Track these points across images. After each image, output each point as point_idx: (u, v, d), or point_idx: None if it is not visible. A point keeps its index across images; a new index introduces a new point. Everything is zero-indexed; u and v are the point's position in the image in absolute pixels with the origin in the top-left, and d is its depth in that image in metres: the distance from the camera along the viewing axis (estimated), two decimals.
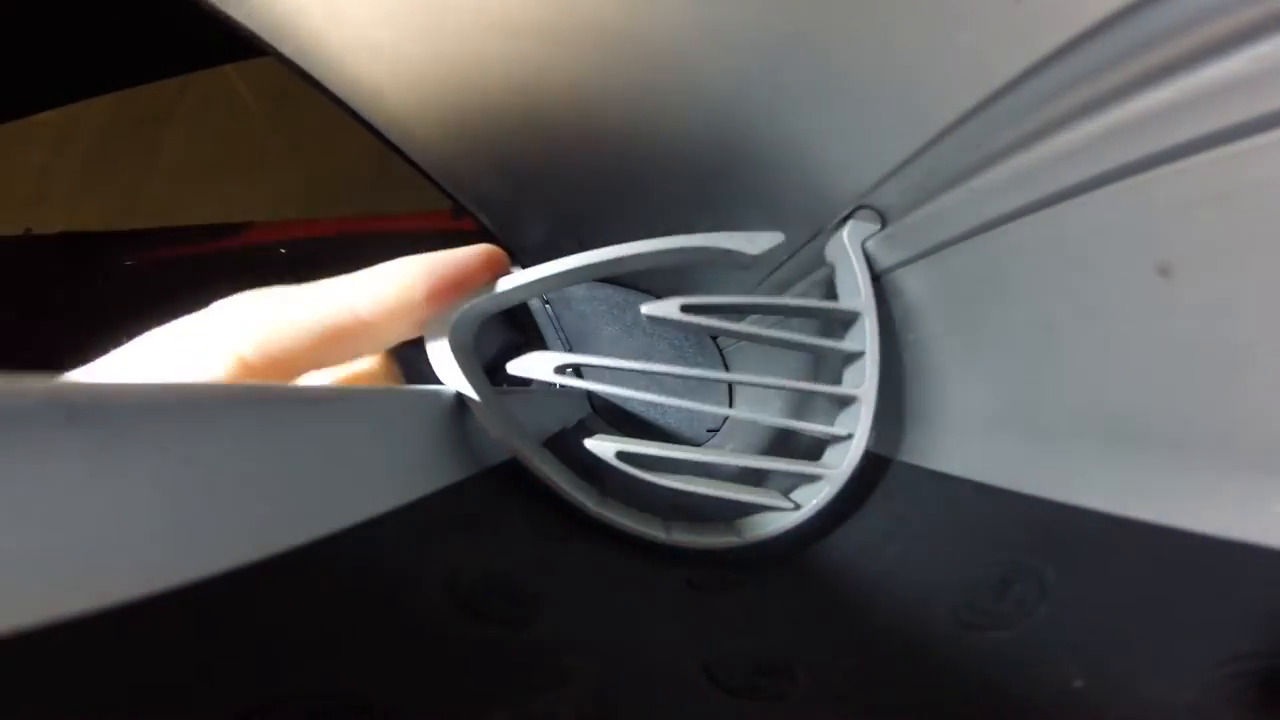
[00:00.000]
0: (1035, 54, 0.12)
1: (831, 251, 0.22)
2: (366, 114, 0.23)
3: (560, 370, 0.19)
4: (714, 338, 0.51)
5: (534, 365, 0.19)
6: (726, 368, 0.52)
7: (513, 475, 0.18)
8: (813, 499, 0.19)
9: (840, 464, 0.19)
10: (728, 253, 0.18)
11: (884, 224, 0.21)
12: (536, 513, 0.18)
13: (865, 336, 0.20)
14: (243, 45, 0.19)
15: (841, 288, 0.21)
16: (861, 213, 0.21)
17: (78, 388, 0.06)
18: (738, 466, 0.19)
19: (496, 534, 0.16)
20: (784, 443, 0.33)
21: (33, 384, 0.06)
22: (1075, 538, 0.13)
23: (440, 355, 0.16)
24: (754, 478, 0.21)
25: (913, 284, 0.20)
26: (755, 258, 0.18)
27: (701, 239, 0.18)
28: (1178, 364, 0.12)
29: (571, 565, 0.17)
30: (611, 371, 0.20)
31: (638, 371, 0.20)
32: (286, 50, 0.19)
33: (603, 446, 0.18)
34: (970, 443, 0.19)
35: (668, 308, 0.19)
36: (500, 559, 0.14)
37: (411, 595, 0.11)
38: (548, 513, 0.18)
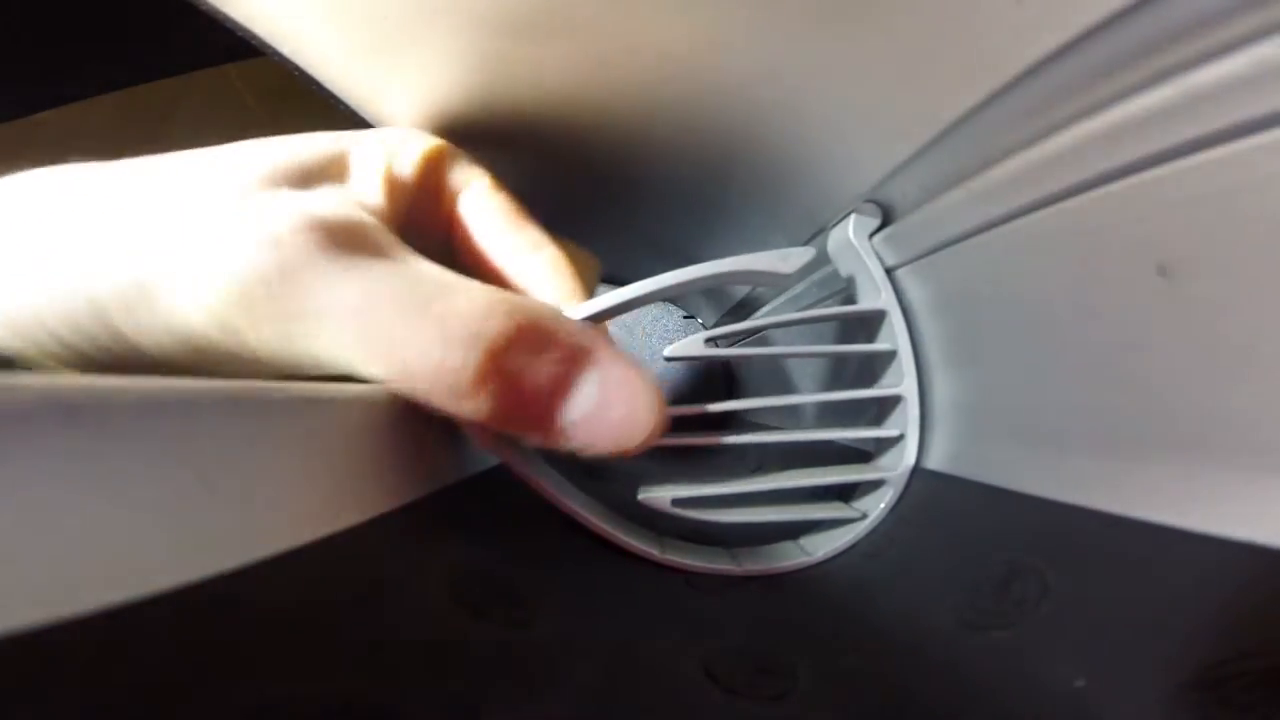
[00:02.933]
0: (1036, 54, 0.12)
1: (834, 248, 0.22)
2: (367, 114, 0.23)
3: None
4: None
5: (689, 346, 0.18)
6: (732, 378, 0.52)
7: (513, 475, 0.18)
8: (878, 504, 0.19)
9: (897, 465, 0.19)
10: (763, 273, 0.18)
11: (885, 218, 0.21)
12: (537, 512, 0.18)
13: (895, 334, 0.20)
14: (243, 45, 0.19)
15: (859, 288, 0.21)
16: (864, 207, 0.21)
17: (76, 388, 0.06)
18: (775, 488, 0.19)
19: (497, 534, 0.16)
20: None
21: (31, 384, 0.06)
22: (1075, 538, 0.13)
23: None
24: (791, 496, 0.21)
25: (913, 284, 0.20)
26: (790, 276, 0.18)
27: (735, 263, 0.17)
28: (1177, 364, 0.12)
29: (572, 565, 0.17)
30: None
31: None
32: (286, 50, 0.19)
33: (657, 497, 0.18)
34: (970, 442, 0.18)
35: (691, 346, 0.18)
36: (501, 559, 0.14)
37: (411, 595, 0.11)
38: (548, 513, 0.18)
